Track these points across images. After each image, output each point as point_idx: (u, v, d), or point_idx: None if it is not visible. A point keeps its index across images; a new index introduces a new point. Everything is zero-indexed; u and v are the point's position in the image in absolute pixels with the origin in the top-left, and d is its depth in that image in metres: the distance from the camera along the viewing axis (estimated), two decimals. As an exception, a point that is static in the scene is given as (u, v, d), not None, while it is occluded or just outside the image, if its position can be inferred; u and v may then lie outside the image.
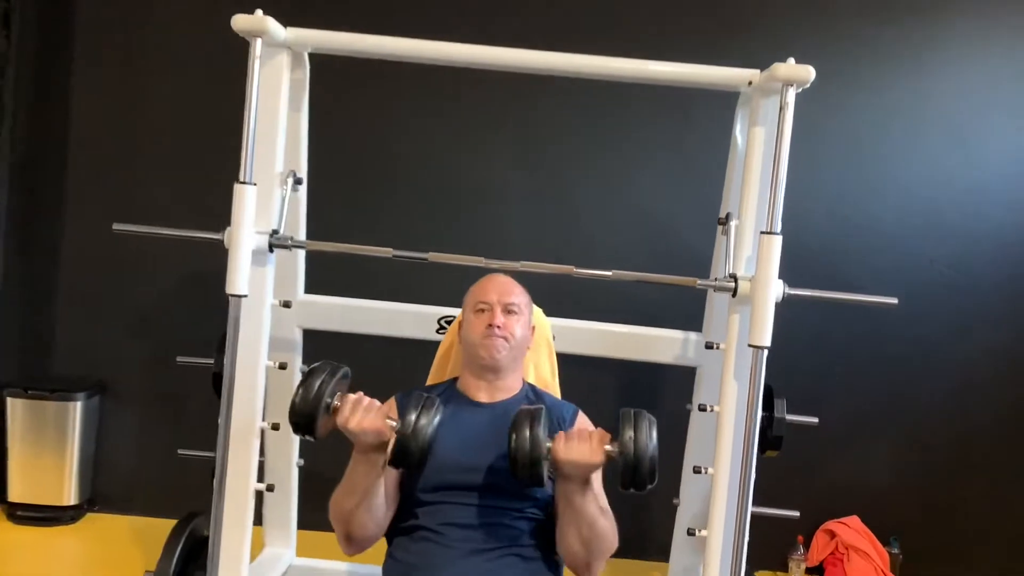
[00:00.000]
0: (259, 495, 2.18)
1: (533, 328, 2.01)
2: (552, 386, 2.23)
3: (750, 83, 2.11)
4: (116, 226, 2.14)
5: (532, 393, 1.96)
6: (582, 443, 1.56)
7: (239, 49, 1.99)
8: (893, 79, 3.39)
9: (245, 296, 2.06)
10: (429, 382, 2.25)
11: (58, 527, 3.38)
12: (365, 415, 1.59)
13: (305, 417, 1.62)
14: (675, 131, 3.39)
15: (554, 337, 2.36)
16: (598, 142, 3.42)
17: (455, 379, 2.00)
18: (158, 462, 3.47)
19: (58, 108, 3.44)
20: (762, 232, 2.03)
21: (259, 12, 2.01)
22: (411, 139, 3.44)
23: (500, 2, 3.42)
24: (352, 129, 3.41)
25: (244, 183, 2.04)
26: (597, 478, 1.71)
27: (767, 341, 2.03)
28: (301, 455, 2.65)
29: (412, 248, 2.14)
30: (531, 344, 2.00)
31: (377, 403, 1.64)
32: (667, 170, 3.41)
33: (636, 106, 3.36)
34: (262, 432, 2.24)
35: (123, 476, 3.53)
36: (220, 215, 2.05)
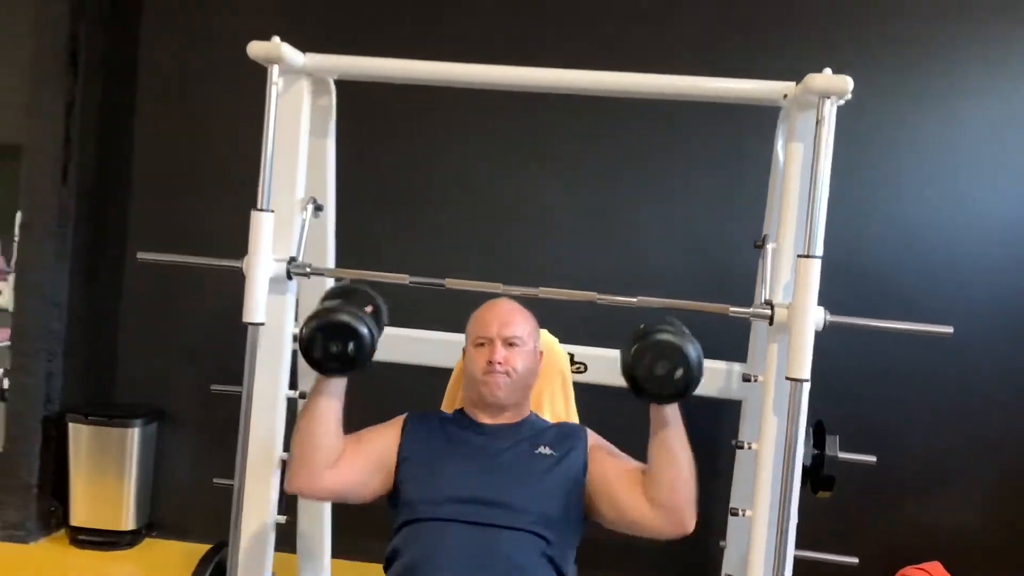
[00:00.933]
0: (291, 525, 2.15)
1: (541, 354, 1.90)
2: (567, 419, 2.12)
3: (785, 96, 1.97)
4: (140, 255, 2.15)
5: (535, 419, 1.88)
6: None
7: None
8: (964, 85, 3.16)
9: (262, 324, 2.04)
10: (443, 407, 2.17)
11: (117, 552, 3.43)
12: None
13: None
14: (725, 149, 3.25)
15: (584, 367, 2.26)
16: (640, 162, 3.31)
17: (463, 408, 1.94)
18: (213, 489, 3.49)
19: (122, 143, 3.55)
20: (799, 255, 1.89)
21: (276, 39, 2.00)
22: (450, 162, 3.41)
23: (525, 21, 3.36)
24: (390, 153, 3.40)
25: (261, 210, 2.02)
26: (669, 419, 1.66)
27: (806, 373, 1.88)
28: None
29: (450, 274, 2.08)
30: (538, 373, 1.90)
31: None
32: (716, 190, 3.26)
33: (682, 124, 3.24)
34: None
35: (180, 502, 3.57)
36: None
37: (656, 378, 1.59)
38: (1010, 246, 3.18)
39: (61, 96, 3.37)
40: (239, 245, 2.02)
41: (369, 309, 1.81)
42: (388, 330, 2.51)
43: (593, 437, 1.84)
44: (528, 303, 2.05)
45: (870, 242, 3.22)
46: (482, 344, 1.80)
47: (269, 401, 2.13)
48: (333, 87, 2.25)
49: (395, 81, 2.25)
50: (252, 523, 2.11)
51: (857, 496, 3.09)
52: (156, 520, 3.58)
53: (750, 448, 2.04)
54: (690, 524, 1.66)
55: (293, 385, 2.22)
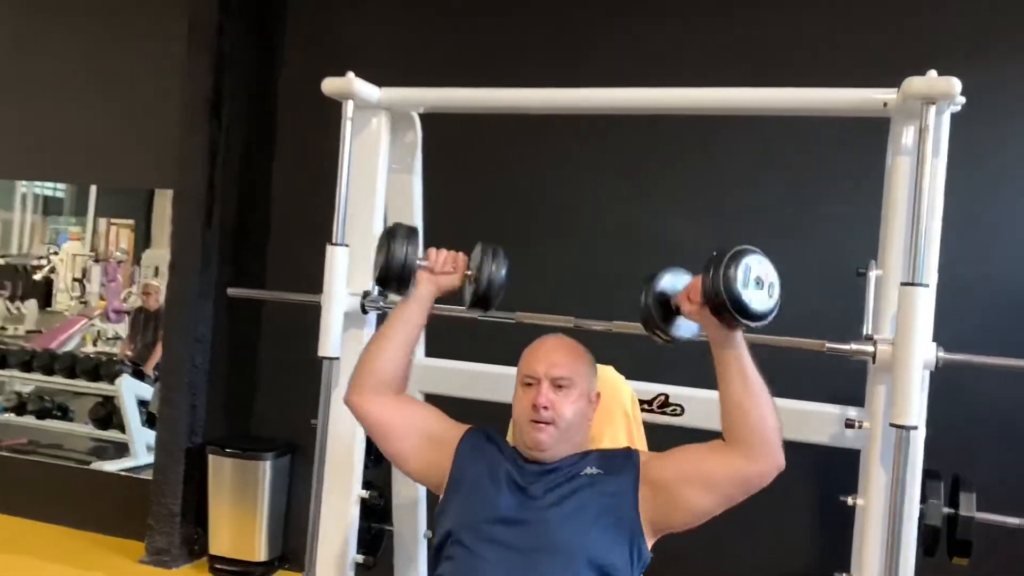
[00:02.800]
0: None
1: (598, 396, 1.75)
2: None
3: (886, 104, 1.75)
4: (230, 291, 2.21)
5: (607, 462, 1.71)
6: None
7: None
8: None
9: (337, 359, 2.04)
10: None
11: (249, 582, 3.54)
12: (448, 262, 1.78)
13: (395, 279, 1.77)
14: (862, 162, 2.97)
15: (681, 409, 2.08)
16: (746, 184, 3.09)
17: None
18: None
19: (261, 188, 3.73)
20: (902, 283, 1.66)
21: (350, 74, 2.01)
22: (552, 192, 3.34)
23: (587, 40, 3.27)
24: (496, 184, 3.38)
25: (336, 244, 2.03)
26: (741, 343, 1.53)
27: (913, 419, 1.64)
28: (429, 526, 2.55)
29: (557, 309, 2.02)
30: (591, 416, 1.73)
31: (458, 254, 1.80)
32: (856, 210, 2.98)
33: (795, 140, 3.00)
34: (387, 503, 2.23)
35: (310, 535, 3.64)
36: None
37: (749, 298, 1.46)
38: None
39: (206, 145, 3.59)
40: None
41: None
42: (480, 366, 2.45)
43: (644, 455, 1.69)
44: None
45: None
46: (529, 384, 1.68)
47: (347, 437, 2.11)
48: (418, 122, 2.24)
49: (479, 111, 2.22)
50: (327, 565, 2.08)
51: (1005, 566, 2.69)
52: (288, 552, 3.66)
53: (853, 504, 1.79)
54: (782, 457, 1.58)
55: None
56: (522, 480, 1.64)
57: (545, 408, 1.62)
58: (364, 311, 2.07)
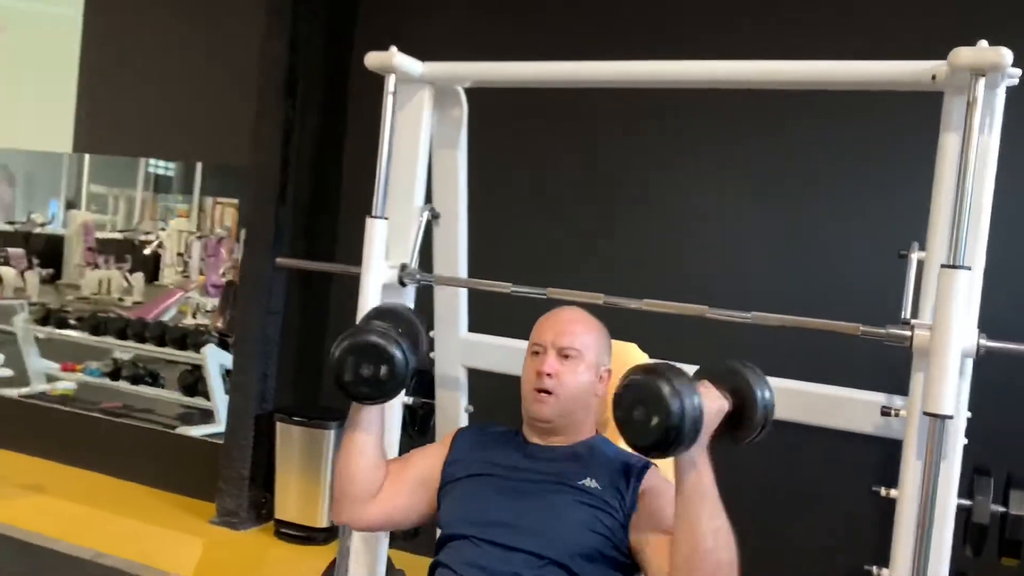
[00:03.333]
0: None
1: (608, 372, 1.71)
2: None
3: (934, 77, 1.65)
4: (279, 260, 2.29)
5: (599, 443, 1.69)
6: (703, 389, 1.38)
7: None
8: None
9: (374, 329, 2.07)
10: None
11: (312, 547, 3.66)
12: None
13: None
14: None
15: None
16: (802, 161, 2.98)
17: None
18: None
19: (333, 165, 3.82)
20: (942, 266, 1.58)
21: (393, 48, 2.03)
22: (601, 172, 3.33)
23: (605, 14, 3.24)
24: (554, 163, 3.39)
25: (375, 217, 2.06)
26: (707, 471, 1.37)
27: (949, 408, 1.56)
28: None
29: (620, 290, 1.96)
30: (600, 393, 1.69)
31: None
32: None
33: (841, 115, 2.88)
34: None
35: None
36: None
37: (632, 423, 1.34)
38: None
39: (280, 124, 3.70)
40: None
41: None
42: (519, 342, 2.44)
43: (651, 478, 1.60)
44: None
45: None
46: (537, 353, 1.67)
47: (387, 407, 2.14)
48: (463, 97, 2.24)
49: (524, 85, 2.20)
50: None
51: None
52: (350, 520, 3.76)
53: (887, 496, 1.72)
54: None
55: (414, 393, 2.23)
56: (518, 462, 1.65)
57: (548, 376, 1.60)
58: (402, 284, 2.10)
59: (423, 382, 2.40)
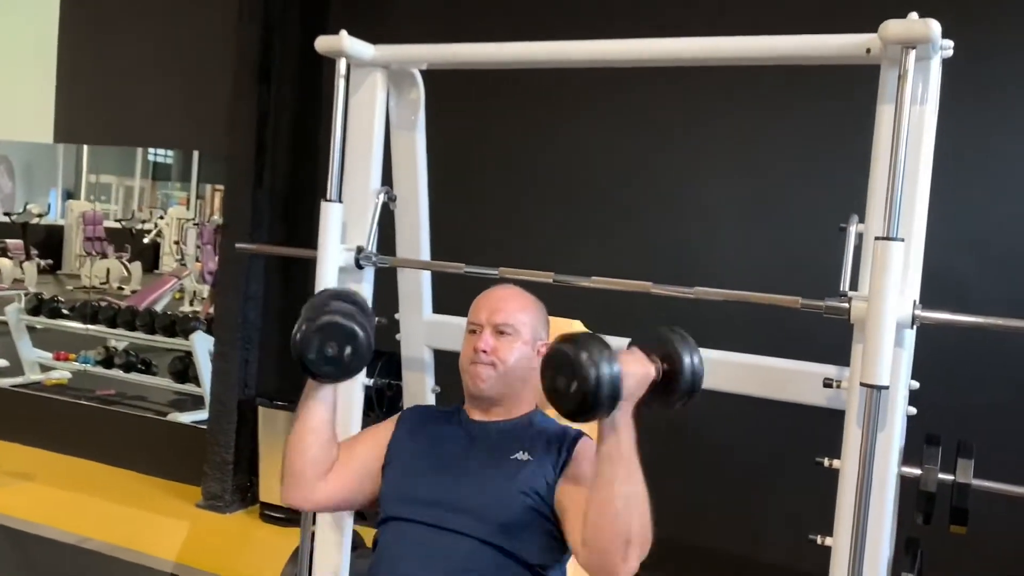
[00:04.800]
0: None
1: (545, 346, 1.71)
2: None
3: (868, 51, 1.66)
4: (238, 245, 2.30)
5: (537, 419, 1.71)
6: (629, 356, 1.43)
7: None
8: None
9: (331, 313, 2.09)
10: None
11: (296, 528, 3.65)
12: None
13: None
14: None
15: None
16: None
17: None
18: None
19: (310, 149, 3.83)
20: (876, 238, 1.59)
21: (343, 32, 2.04)
22: (554, 153, 3.36)
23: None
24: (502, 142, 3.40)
25: (330, 200, 2.08)
26: (627, 436, 1.39)
27: (885, 379, 1.58)
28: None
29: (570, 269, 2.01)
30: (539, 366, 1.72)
31: None
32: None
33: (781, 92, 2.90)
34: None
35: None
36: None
37: (555, 391, 1.38)
38: None
39: (256, 108, 3.71)
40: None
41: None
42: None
43: (583, 447, 1.62)
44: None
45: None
46: (473, 331, 1.69)
47: (344, 394, 2.17)
48: (420, 79, 2.25)
49: (479, 67, 2.22)
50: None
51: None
52: (333, 501, 3.80)
53: (830, 466, 1.74)
54: (622, 570, 1.38)
55: (381, 375, 2.26)
56: (458, 438, 1.68)
57: (485, 352, 1.64)
58: (359, 266, 2.12)
59: (390, 364, 2.43)
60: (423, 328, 2.43)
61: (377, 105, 2.15)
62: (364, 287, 2.17)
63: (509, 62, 2.13)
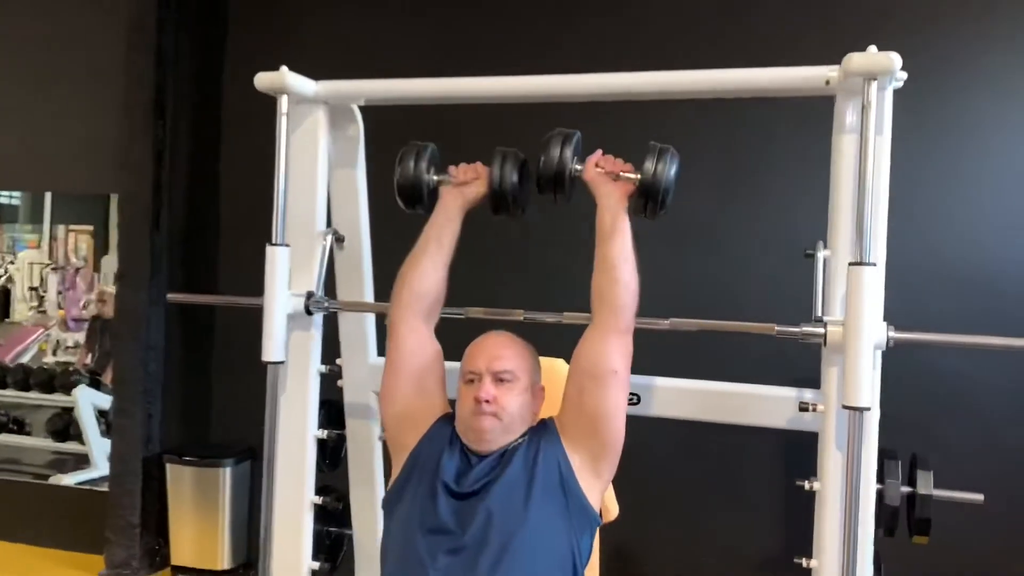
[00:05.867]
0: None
1: (542, 390, 1.72)
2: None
3: (828, 82, 1.72)
4: (170, 296, 2.15)
5: (534, 435, 1.68)
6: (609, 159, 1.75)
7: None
8: None
9: (282, 363, 1.98)
10: None
11: (213, 590, 3.47)
12: (469, 172, 1.85)
13: (409, 190, 1.88)
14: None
15: (638, 399, 2.05)
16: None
17: None
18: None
19: (209, 188, 3.65)
20: (849, 264, 1.63)
21: (284, 68, 1.95)
22: None
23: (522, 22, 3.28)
24: None
25: (276, 244, 1.97)
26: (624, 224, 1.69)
27: (865, 400, 1.62)
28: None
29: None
30: (537, 410, 1.71)
31: (478, 163, 1.86)
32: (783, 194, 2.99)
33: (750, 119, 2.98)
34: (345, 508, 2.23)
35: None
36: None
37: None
38: None
39: (151, 146, 3.50)
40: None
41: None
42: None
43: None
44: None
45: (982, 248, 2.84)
46: (471, 380, 1.65)
47: (297, 442, 2.05)
48: (359, 115, 2.18)
49: (419, 102, 2.16)
50: (284, 567, 2.03)
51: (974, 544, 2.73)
52: (253, 559, 3.60)
53: (811, 488, 1.77)
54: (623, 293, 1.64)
55: (323, 424, 2.14)
56: (462, 474, 1.63)
57: (487, 402, 1.59)
58: (309, 312, 2.01)
59: (332, 412, 2.31)
60: (368, 372, 2.33)
61: (320, 142, 2.06)
62: (313, 334, 2.07)
63: (453, 97, 2.08)
